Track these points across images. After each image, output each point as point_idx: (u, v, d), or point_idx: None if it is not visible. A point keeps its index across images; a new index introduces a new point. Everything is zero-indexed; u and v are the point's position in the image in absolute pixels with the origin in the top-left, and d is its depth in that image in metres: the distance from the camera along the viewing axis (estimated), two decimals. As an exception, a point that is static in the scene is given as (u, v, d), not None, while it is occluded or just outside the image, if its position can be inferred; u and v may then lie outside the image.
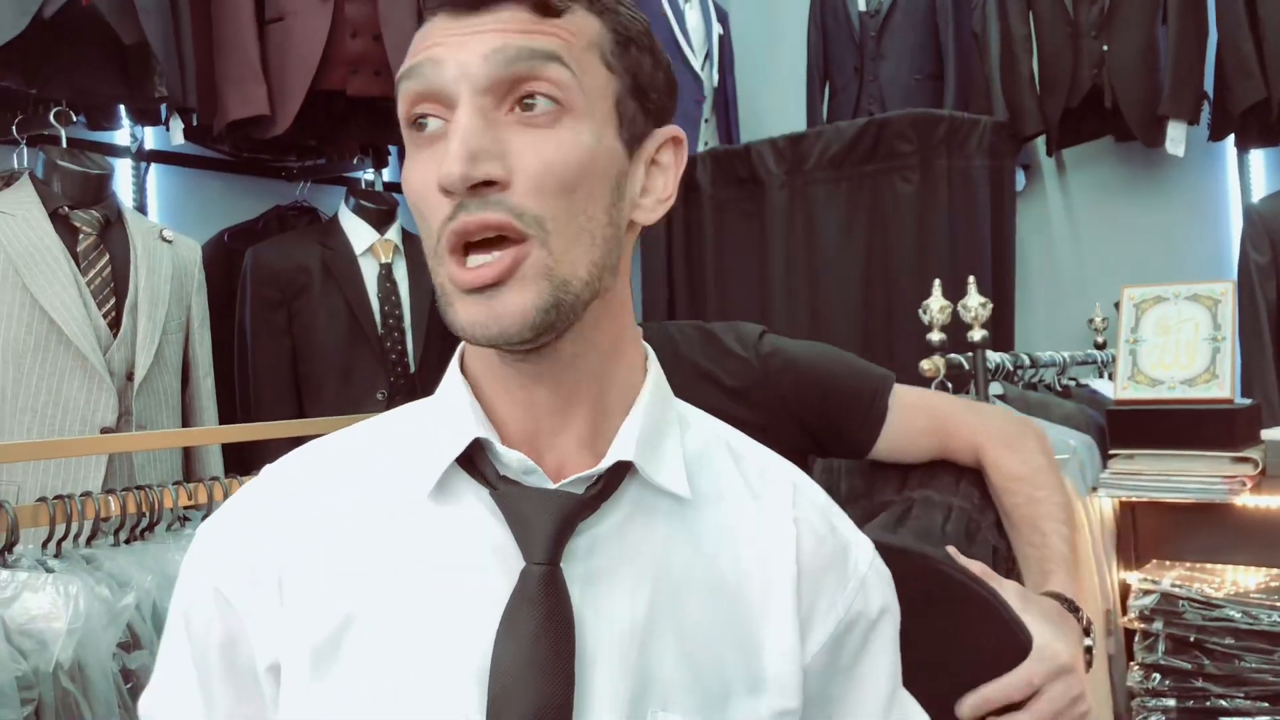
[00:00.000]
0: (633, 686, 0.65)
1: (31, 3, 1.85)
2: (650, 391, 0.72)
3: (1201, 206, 3.02)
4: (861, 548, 0.77)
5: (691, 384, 1.15)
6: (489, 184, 0.62)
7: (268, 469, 0.74)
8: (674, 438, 0.73)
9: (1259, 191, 2.87)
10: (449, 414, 0.70)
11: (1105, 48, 2.80)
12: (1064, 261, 3.25)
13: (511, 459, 0.67)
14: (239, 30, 2.29)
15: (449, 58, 0.63)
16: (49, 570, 1.41)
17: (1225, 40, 2.66)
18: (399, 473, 0.70)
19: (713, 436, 0.77)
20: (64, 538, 1.49)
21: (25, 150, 2.05)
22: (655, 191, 0.71)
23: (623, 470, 0.69)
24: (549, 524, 0.65)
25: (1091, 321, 2.89)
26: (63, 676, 1.29)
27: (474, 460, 0.68)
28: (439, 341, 2.41)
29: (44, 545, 1.48)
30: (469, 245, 0.63)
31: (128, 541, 1.56)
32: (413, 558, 0.68)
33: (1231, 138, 2.80)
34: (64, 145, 2.01)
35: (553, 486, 0.67)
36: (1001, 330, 2.94)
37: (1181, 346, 2.03)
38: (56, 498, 1.49)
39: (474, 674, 0.64)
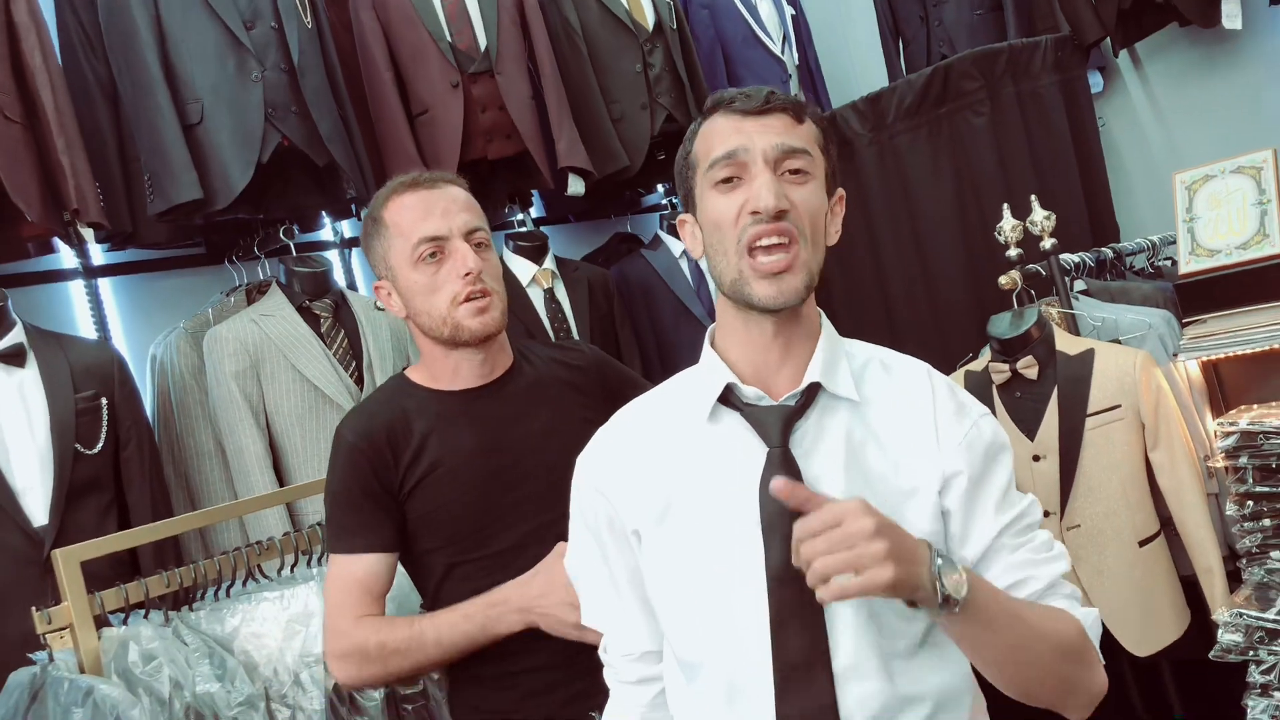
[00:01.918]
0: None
1: (253, 155, 2.45)
2: (824, 337, 1.20)
3: None
4: (974, 406, 1.22)
5: (545, 364, 1.67)
6: (783, 211, 1.12)
7: (615, 415, 1.28)
8: (844, 362, 1.19)
9: (1328, 43, 2.99)
10: (709, 372, 1.19)
11: (1143, -54, 2.99)
12: (1157, 148, 3.44)
13: (749, 392, 1.18)
14: (397, 130, 2.84)
15: (751, 145, 1.14)
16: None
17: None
18: (686, 409, 1.20)
19: (870, 358, 1.24)
20: (365, 540, 2.06)
21: (266, 262, 2.68)
22: (834, 226, 1.21)
23: (815, 387, 1.16)
24: (777, 425, 1.14)
25: (1184, 200, 3.09)
26: (390, 628, 1.86)
27: (727, 397, 1.17)
28: (600, 343, 2.90)
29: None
30: (755, 249, 1.12)
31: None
32: (703, 455, 1.17)
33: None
34: (294, 253, 2.61)
35: (775, 404, 1.18)
36: (1103, 226, 3.17)
37: (1233, 216, 2.29)
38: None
39: (749, 512, 1.14)
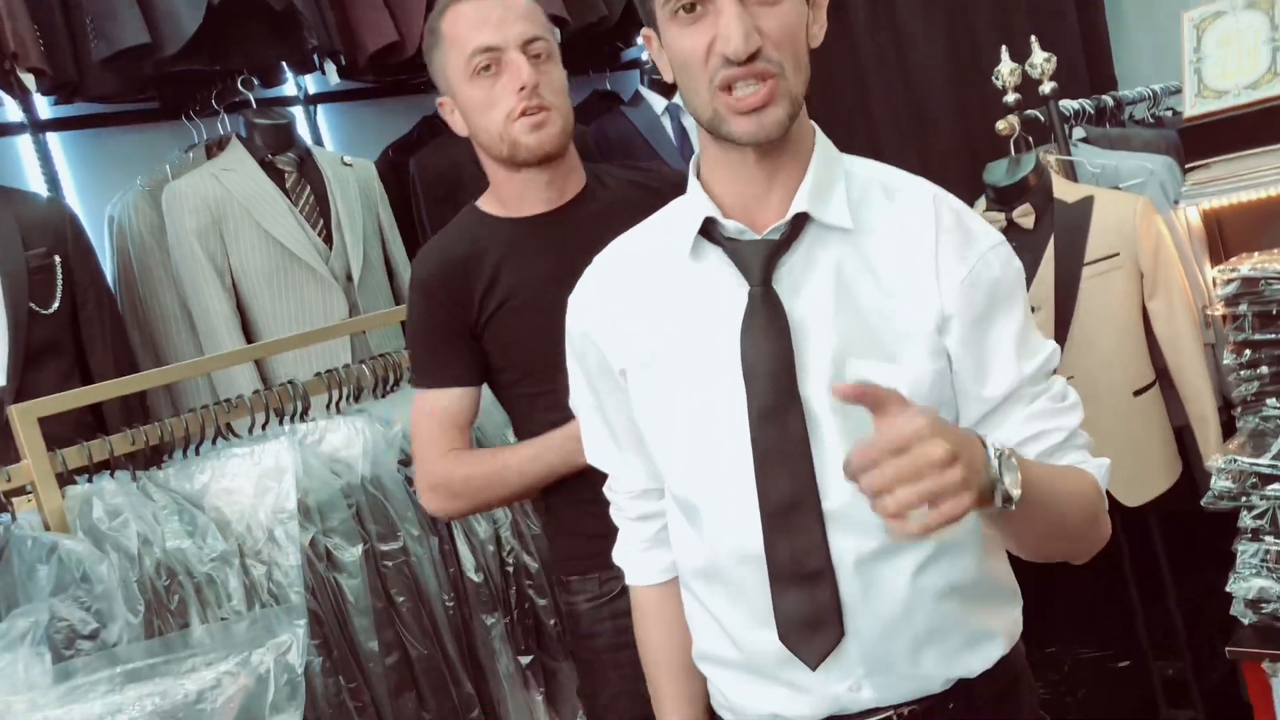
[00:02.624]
0: (831, 345, 1.05)
1: (202, -2, 2.28)
2: (817, 157, 1.08)
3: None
4: (985, 236, 1.11)
5: (621, 187, 1.60)
6: (756, 51, 0.99)
7: (602, 252, 1.20)
8: (840, 186, 1.08)
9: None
10: (691, 205, 1.10)
11: None
12: (1160, -7, 3.27)
13: (730, 226, 1.07)
14: (360, -26, 2.66)
15: None
16: (337, 421, 1.92)
17: None
18: (667, 245, 1.13)
19: (870, 180, 1.11)
20: (340, 399, 1.99)
21: (226, 117, 2.53)
22: (819, 22, 1.07)
23: (803, 218, 1.06)
24: (760, 261, 1.06)
25: (1187, 47, 2.95)
26: (368, 485, 1.81)
27: (709, 231, 1.09)
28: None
29: (326, 408, 1.99)
30: (730, 86, 1.01)
31: (383, 395, 2.06)
32: (686, 295, 1.11)
33: None
34: (254, 106, 2.47)
35: (758, 237, 1.07)
36: (1101, 72, 3.05)
37: (1244, 55, 2.17)
38: (327, 371, 1.99)
39: (732, 354, 1.07)
